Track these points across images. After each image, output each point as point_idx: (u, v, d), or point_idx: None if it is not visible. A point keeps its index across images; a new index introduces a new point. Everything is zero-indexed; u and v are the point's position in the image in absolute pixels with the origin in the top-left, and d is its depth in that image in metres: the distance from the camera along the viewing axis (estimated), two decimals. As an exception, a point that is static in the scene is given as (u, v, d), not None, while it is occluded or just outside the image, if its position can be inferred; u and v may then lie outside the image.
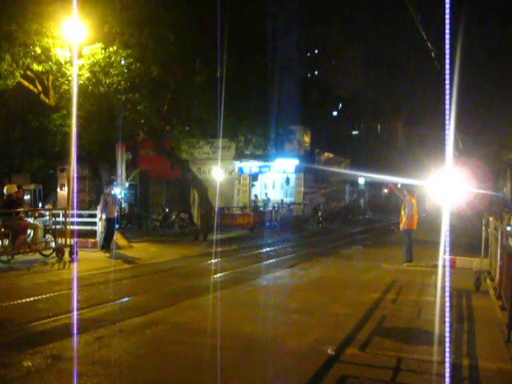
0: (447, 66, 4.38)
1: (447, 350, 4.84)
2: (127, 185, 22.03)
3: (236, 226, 22.00)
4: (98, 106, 15.18)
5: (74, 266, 11.21)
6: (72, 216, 13.18)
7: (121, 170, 17.19)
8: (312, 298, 8.38)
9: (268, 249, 15.45)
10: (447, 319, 5.36)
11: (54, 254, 12.10)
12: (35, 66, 14.28)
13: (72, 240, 12.16)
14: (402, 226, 12.17)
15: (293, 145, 29.10)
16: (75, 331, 5.96)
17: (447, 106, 4.25)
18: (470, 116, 34.89)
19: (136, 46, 14.61)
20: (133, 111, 15.43)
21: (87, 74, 14.50)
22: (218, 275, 10.39)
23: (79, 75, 14.31)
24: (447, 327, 5.06)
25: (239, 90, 17.39)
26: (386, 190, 45.12)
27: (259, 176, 29.34)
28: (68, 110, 14.59)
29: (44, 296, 7.99)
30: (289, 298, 8.37)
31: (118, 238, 14.56)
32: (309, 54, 55.30)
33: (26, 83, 15.51)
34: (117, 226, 14.57)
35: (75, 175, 18.08)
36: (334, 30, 54.84)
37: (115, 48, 14.37)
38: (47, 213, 13.48)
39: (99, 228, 13.94)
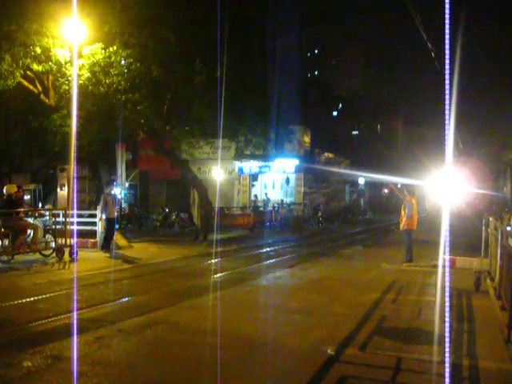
0: (447, 66, 4.38)
1: (447, 350, 4.83)
2: (127, 185, 22.02)
3: (236, 226, 22.02)
4: (98, 106, 15.18)
5: (74, 266, 11.21)
6: (72, 216, 13.16)
7: (121, 170, 17.18)
8: (312, 298, 8.38)
9: (268, 249, 15.45)
10: (447, 319, 5.35)
11: (54, 254, 12.09)
12: (35, 66, 14.28)
13: (72, 240, 12.15)
14: (402, 226, 12.18)
15: (293, 145, 29.06)
16: (75, 331, 5.96)
17: (447, 106, 4.25)
18: (470, 116, 34.91)
19: (136, 46, 14.62)
20: (133, 111, 15.42)
21: (87, 74, 14.50)
22: (218, 275, 10.39)
23: (79, 75, 14.30)
24: (447, 327, 5.05)
25: (239, 90, 17.38)
26: (386, 190, 45.13)
27: (259, 176, 29.35)
28: (68, 110, 14.59)
29: (44, 296, 7.99)
30: (289, 298, 8.37)
31: (117, 238, 14.58)
32: (309, 54, 55.33)
33: (26, 83, 15.51)
34: (117, 226, 14.59)
35: (75, 175, 18.07)
36: (333, 30, 54.90)
37: (115, 48, 14.37)
38: (47, 213, 13.48)
39: (99, 228, 13.95)
